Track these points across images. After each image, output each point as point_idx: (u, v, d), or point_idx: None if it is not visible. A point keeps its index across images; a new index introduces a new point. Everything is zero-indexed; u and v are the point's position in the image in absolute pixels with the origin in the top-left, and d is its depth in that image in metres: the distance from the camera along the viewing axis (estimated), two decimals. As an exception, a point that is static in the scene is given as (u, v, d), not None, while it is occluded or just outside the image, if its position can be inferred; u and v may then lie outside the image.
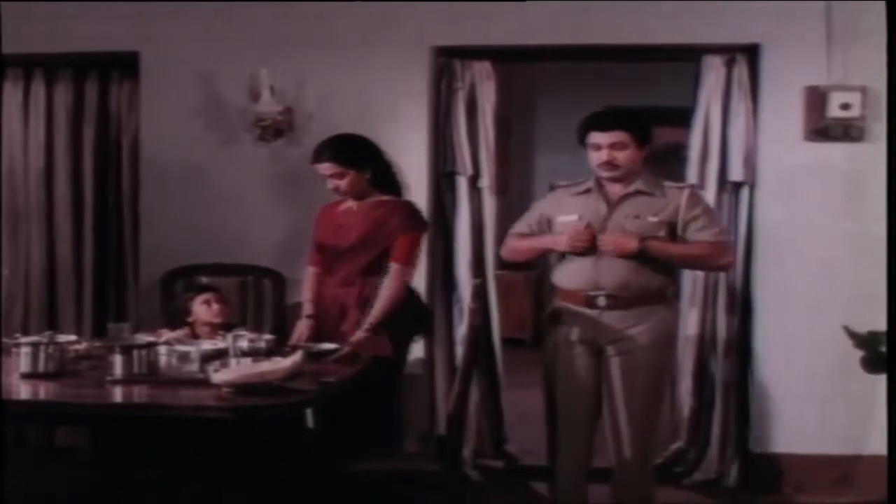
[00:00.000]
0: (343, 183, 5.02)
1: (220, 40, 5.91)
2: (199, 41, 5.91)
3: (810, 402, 5.73)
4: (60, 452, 5.93)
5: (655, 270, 4.68)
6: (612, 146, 4.70)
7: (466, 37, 5.83)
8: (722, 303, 5.85)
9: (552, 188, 5.12)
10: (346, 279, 5.03)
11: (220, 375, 3.93)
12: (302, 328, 5.08)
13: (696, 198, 4.82)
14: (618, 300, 4.66)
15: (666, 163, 9.62)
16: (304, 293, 5.21)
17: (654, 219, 4.67)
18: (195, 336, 4.98)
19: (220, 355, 4.35)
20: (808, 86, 5.64)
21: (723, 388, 5.85)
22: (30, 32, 5.85)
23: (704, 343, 5.89)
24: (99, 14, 5.88)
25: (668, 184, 4.82)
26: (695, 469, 5.89)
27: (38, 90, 6.22)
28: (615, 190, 4.77)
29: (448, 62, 5.91)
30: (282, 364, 4.01)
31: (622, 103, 10.07)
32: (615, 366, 4.70)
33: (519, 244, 4.99)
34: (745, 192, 5.79)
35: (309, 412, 4.59)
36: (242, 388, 3.85)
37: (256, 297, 5.87)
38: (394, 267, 4.97)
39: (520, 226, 5.04)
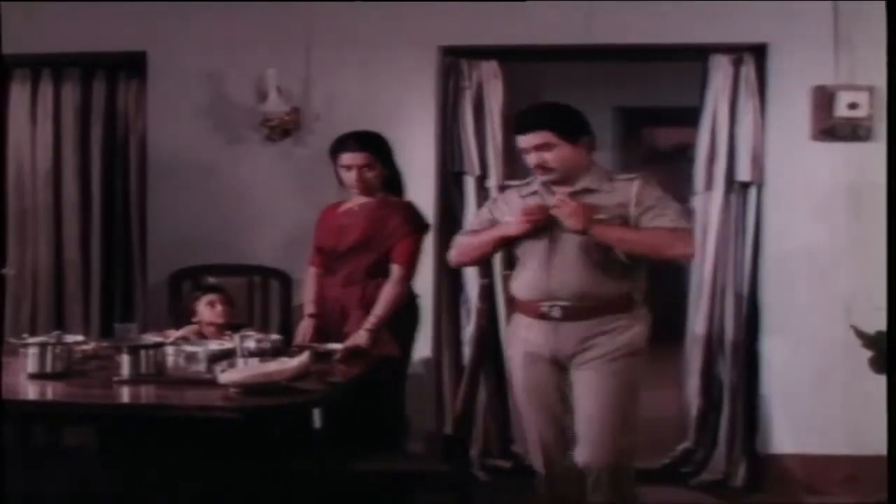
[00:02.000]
0: (370, 175, 5.03)
1: (227, 40, 5.91)
2: (207, 41, 5.92)
3: (818, 403, 5.72)
4: (68, 452, 5.94)
5: (614, 276, 4.31)
6: (539, 148, 4.34)
7: (474, 36, 5.83)
8: (729, 303, 5.84)
9: (502, 188, 4.94)
10: (348, 280, 5.03)
11: (227, 376, 3.93)
12: (305, 328, 5.08)
13: (647, 188, 4.37)
14: (574, 310, 4.29)
15: (673, 163, 9.71)
16: (306, 293, 5.22)
17: (604, 216, 4.25)
18: (202, 336, 4.98)
19: (228, 355, 4.35)
20: (816, 85, 5.63)
21: (730, 389, 5.85)
22: (37, 32, 5.89)
23: (712, 343, 5.88)
24: (106, 14, 5.89)
25: (619, 176, 4.43)
26: (702, 469, 5.89)
27: (46, 90, 6.22)
28: (561, 191, 4.36)
29: (455, 62, 5.92)
30: (289, 364, 4.01)
31: (630, 103, 10.15)
32: (578, 382, 4.33)
33: (466, 241, 4.63)
34: (752, 192, 5.78)
35: (316, 412, 4.59)
36: (250, 388, 3.85)
37: (263, 298, 5.88)
38: (395, 269, 4.97)
39: (469, 227, 4.87)
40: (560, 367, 4.37)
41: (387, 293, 4.93)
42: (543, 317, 4.35)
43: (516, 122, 4.47)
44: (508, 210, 4.49)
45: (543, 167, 4.34)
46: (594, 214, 4.21)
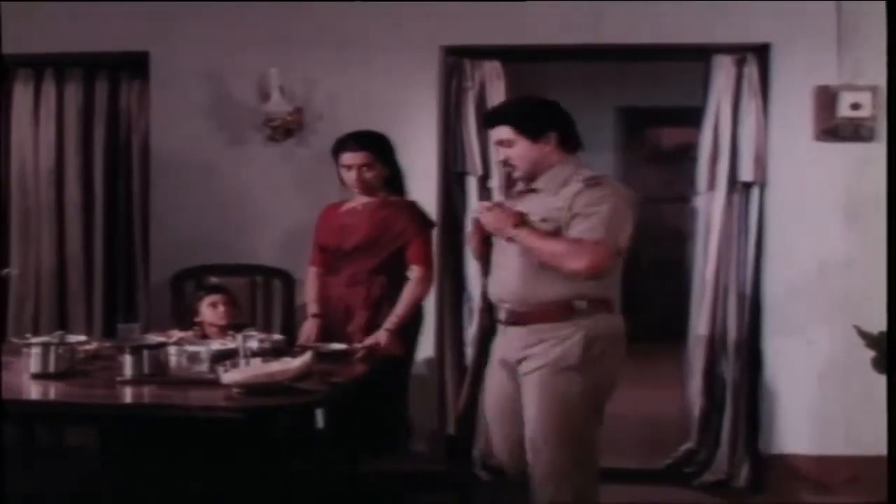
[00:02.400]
0: (370, 175, 5.04)
1: (229, 40, 5.91)
2: (209, 41, 5.93)
3: (821, 403, 5.72)
4: (70, 452, 5.94)
5: (554, 281, 4.05)
6: (501, 143, 4.21)
7: (476, 36, 5.83)
8: (732, 303, 5.84)
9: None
10: (353, 280, 5.03)
11: (230, 376, 3.94)
12: (309, 328, 5.08)
13: (583, 194, 4.03)
14: (516, 315, 4.13)
15: (676, 163, 9.72)
16: (308, 293, 5.23)
17: (537, 218, 4.08)
18: (205, 336, 4.98)
19: (230, 356, 4.35)
20: (819, 85, 5.63)
21: (733, 389, 5.84)
22: (40, 33, 5.89)
23: (714, 343, 5.88)
24: (109, 14, 5.90)
25: (577, 177, 4.11)
26: (705, 470, 5.89)
27: (49, 90, 6.23)
28: (523, 188, 4.29)
29: (458, 62, 5.92)
30: (291, 364, 4.01)
31: (633, 103, 10.16)
32: (525, 388, 4.12)
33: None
34: (755, 192, 5.78)
35: (319, 412, 4.59)
36: (252, 388, 3.86)
37: (266, 298, 5.88)
38: (416, 269, 4.98)
39: None
40: (512, 371, 4.20)
41: (409, 293, 4.95)
42: (499, 320, 4.28)
43: (483, 118, 4.42)
44: None
45: (506, 163, 4.25)
46: (517, 221, 4.08)
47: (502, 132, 4.18)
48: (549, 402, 4.05)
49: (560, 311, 4.07)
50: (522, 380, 4.12)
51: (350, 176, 5.05)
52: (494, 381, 4.31)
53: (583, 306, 4.08)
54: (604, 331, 4.12)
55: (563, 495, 4.06)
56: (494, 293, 4.25)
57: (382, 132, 5.14)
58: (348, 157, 5.04)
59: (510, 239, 4.09)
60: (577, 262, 3.97)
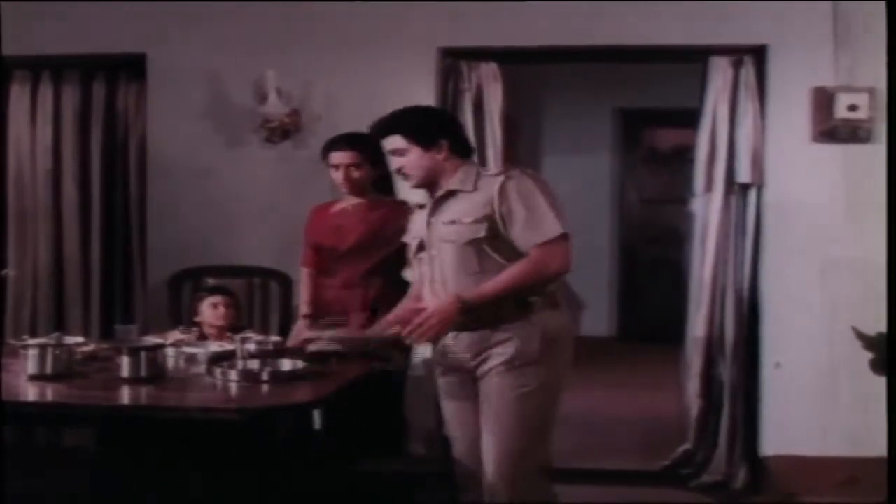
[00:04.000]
0: (358, 174, 5.03)
1: (227, 42, 5.92)
2: (207, 43, 5.93)
3: (818, 404, 5.72)
4: (68, 454, 5.94)
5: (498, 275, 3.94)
6: (395, 153, 4.13)
7: (473, 38, 5.83)
8: (729, 304, 5.84)
9: (416, 209, 4.49)
10: (349, 281, 5.03)
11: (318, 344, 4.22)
12: (301, 328, 5.06)
13: (510, 184, 3.96)
14: (462, 322, 3.95)
15: (673, 164, 9.74)
16: (302, 294, 5.22)
17: (468, 219, 3.96)
18: (203, 337, 4.99)
19: (228, 357, 4.35)
20: (816, 87, 5.64)
21: (730, 390, 5.85)
22: (38, 34, 5.89)
23: (712, 344, 5.88)
24: (107, 16, 5.90)
25: (487, 172, 4.13)
26: (702, 471, 5.88)
27: (46, 92, 6.23)
28: (437, 192, 4.12)
29: (455, 63, 5.92)
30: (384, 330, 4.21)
31: (630, 105, 10.18)
32: (484, 389, 4.02)
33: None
34: (752, 194, 5.78)
35: (316, 414, 4.59)
36: (350, 343, 4.05)
37: (263, 299, 5.87)
38: None
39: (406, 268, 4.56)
40: (466, 375, 4.08)
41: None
42: None
43: (373, 129, 4.25)
44: (412, 230, 4.30)
45: (401, 172, 4.14)
46: (457, 307, 3.88)
47: (395, 142, 4.11)
48: (510, 399, 3.96)
49: (512, 311, 3.96)
50: (481, 382, 4.02)
51: (338, 175, 5.05)
52: (446, 383, 4.21)
53: (537, 301, 3.98)
54: (556, 325, 4.02)
55: (520, 492, 4.00)
56: (430, 301, 4.07)
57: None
58: (336, 157, 5.04)
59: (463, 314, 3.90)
60: (557, 266, 3.92)
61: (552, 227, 3.90)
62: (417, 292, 4.27)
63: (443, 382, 4.22)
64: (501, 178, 3.98)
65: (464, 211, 3.99)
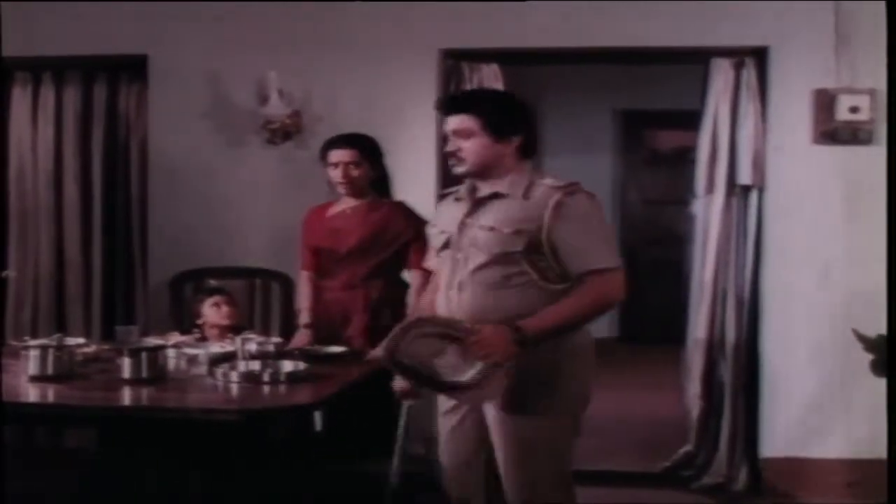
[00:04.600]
0: (356, 173, 5.02)
1: (228, 43, 5.92)
2: (208, 44, 5.94)
3: (819, 406, 5.72)
4: (69, 454, 5.94)
5: (531, 294, 3.62)
6: (457, 133, 3.72)
7: (474, 39, 5.83)
8: (730, 306, 5.84)
9: (440, 197, 4.21)
10: (349, 283, 5.02)
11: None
12: (301, 338, 5.04)
13: (570, 203, 3.62)
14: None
15: (674, 166, 9.73)
16: (301, 300, 5.19)
17: (509, 230, 3.61)
18: (204, 338, 4.99)
19: (229, 358, 4.36)
20: (817, 89, 5.64)
21: (731, 392, 5.84)
22: (39, 35, 5.90)
23: (713, 346, 5.88)
24: (108, 17, 5.91)
25: (542, 181, 3.69)
26: (703, 473, 5.88)
27: (48, 93, 6.24)
28: (480, 192, 3.78)
29: (456, 64, 5.91)
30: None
31: (631, 106, 10.19)
32: (491, 421, 3.72)
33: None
34: (753, 196, 5.78)
35: (317, 415, 4.59)
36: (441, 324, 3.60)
37: (264, 300, 5.88)
38: (416, 274, 4.92)
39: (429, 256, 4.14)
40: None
41: (415, 296, 4.86)
42: None
43: (442, 104, 3.95)
44: (440, 222, 3.95)
45: (456, 156, 3.74)
46: (512, 336, 3.50)
47: (464, 122, 3.71)
48: (528, 432, 3.67)
49: None
50: (493, 409, 3.70)
51: (336, 173, 5.03)
52: (450, 406, 3.87)
53: None
54: (580, 345, 3.72)
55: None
56: (448, 312, 3.74)
57: (372, 135, 5.14)
58: (336, 155, 5.03)
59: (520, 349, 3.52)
60: (616, 296, 3.62)
61: (608, 257, 3.62)
62: (435, 289, 3.95)
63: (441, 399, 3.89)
64: (559, 193, 3.62)
65: (506, 219, 3.64)
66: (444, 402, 3.89)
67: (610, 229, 3.80)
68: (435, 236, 3.92)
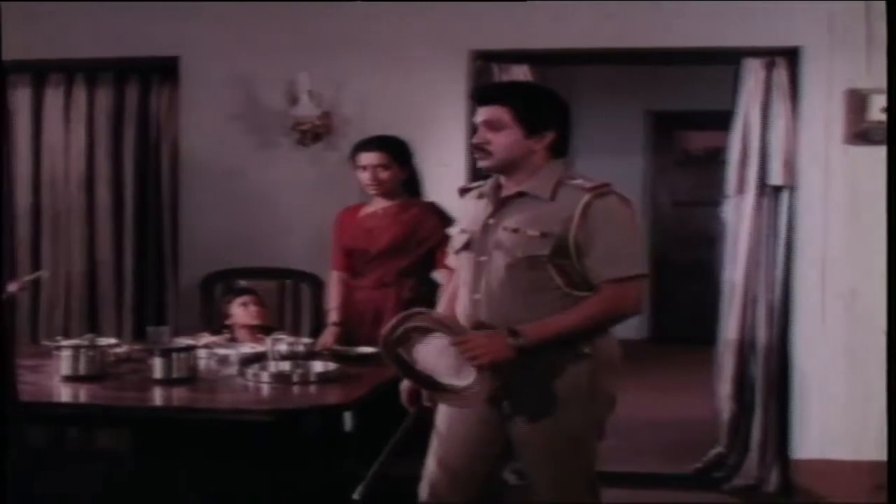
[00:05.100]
0: (385, 175, 5.03)
1: (259, 45, 5.93)
2: (239, 46, 5.95)
3: (851, 408, 5.69)
4: (100, 454, 5.97)
5: (556, 300, 3.45)
6: (488, 125, 3.53)
7: (505, 40, 5.82)
8: (761, 307, 5.82)
9: (461, 192, 3.93)
10: (380, 282, 5.04)
11: None
12: (327, 336, 5.06)
13: (599, 207, 3.43)
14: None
15: (705, 166, 9.71)
16: (332, 299, 5.21)
17: (535, 232, 3.44)
18: (234, 339, 5.01)
19: (259, 359, 4.37)
20: (849, 89, 5.60)
21: (763, 393, 5.82)
22: (71, 37, 5.94)
23: (744, 347, 5.86)
24: (140, 19, 5.93)
25: (571, 181, 3.50)
26: (734, 474, 5.86)
27: (80, 95, 6.27)
28: (505, 191, 3.60)
29: (486, 66, 5.91)
30: None
31: (662, 107, 10.16)
32: (515, 429, 3.56)
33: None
34: (784, 196, 5.76)
35: (347, 415, 4.60)
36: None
37: (295, 301, 5.89)
38: (446, 274, 4.92)
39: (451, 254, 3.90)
40: (495, 406, 3.54)
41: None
42: None
43: (475, 94, 3.75)
44: (463, 220, 3.76)
45: (482, 148, 3.54)
46: (509, 337, 3.37)
47: (495, 113, 3.52)
48: (557, 440, 3.52)
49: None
50: (513, 418, 3.55)
51: (365, 176, 5.05)
52: (463, 416, 3.64)
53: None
54: (607, 352, 3.56)
55: None
56: (471, 317, 3.58)
57: (402, 137, 5.15)
58: (364, 158, 5.05)
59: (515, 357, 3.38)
60: (630, 308, 3.47)
61: (633, 264, 3.47)
62: (454, 290, 3.79)
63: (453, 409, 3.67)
64: (589, 195, 3.43)
65: (532, 220, 3.47)
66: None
67: (640, 234, 3.63)
68: (455, 235, 3.75)
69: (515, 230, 3.48)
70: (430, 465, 3.73)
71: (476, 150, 3.58)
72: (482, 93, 3.66)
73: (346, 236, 5.19)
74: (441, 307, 3.94)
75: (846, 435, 5.71)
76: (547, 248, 3.42)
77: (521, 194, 3.53)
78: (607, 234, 3.42)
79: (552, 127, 3.55)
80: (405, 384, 3.75)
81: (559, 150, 3.59)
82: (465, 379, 3.40)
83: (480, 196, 3.69)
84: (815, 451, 5.74)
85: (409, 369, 3.51)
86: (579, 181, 3.49)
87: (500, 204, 3.57)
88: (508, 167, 3.55)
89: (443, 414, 3.70)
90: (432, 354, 3.46)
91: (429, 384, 3.50)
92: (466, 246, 3.64)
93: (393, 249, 5.03)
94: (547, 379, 3.47)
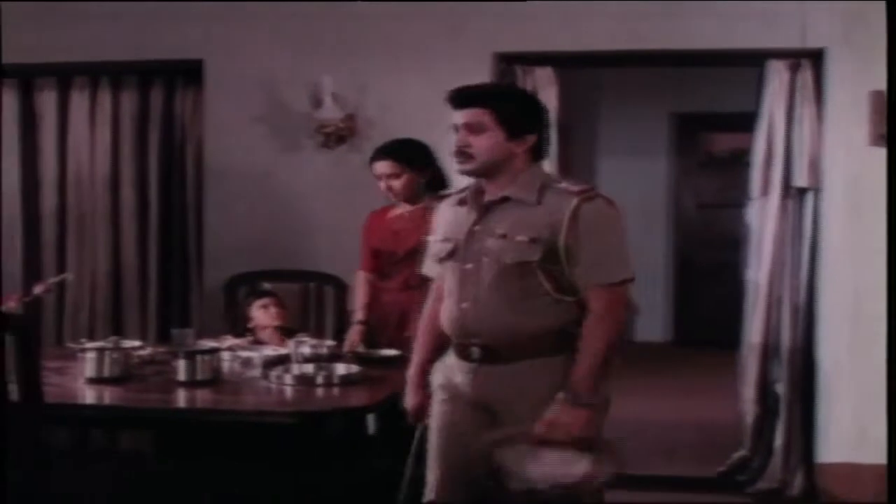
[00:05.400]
0: (397, 183, 5.04)
1: (283, 48, 5.95)
2: (263, 49, 5.96)
3: (875, 411, 5.65)
4: (124, 456, 5.99)
5: (545, 306, 3.41)
6: (469, 128, 3.47)
7: (528, 43, 5.82)
8: (786, 310, 5.80)
9: (437, 200, 3.94)
10: (407, 284, 5.03)
11: None
12: (353, 335, 5.08)
13: (588, 211, 3.38)
14: (493, 352, 3.43)
15: (729, 168, 9.68)
16: (358, 299, 5.22)
17: (524, 238, 3.37)
18: (258, 341, 5.02)
19: (283, 361, 4.38)
20: (874, 90, 5.57)
21: (787, 397, 5.80)
22: (96, 40, 5.96)
23: (768, 350, 5.84)
24: (165, 23, 5.95)
25: (557, 184, 3.48)
26: (758, 478, 5.84)
27: (105, 97, 6.30)
28: (488, 196, 3.53)
29: (510, 68, 5.91)
30: None
31: (686, 109, 10.14)
32: (507, 431, 3.41)
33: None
34: (809, 198, 5.74)
35: (371, 418, 4.60)
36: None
37: (318, 303, 5.89)
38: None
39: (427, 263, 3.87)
40: (487, 412, 3.49)
41: None
42: (464, 356, 3.52)
43: (453, 96, 3.59)
44: (444, 228, 3.69)
45: (463, 152, 3.48)
46: (573, 402, 3.31)
47: (476, 115, 3.46)
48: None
49: (555, 343, 3.43)
50: (507, 420, 3.45)
51: (381, 185, 5.08)
52: (452, 415, 3.58)
53: (577, 332, 3.41)
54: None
55: None
56: (459, 326, 3.53)
57: (419, 139, 5.14)
58: (377, 167, 5.07)
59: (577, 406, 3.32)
60: (620, 316, 3.39)
61: (620, 269, 3.42)
62: (440, 293, 3.70)
63: (445, 408, 3.62)
64: (576, 199, 3.38)
65: (519, 226, 3.41)
66: (437, 392, 3.65)
67: (626, 236, 3.48)
68: (436, 244, 3.68)
69: (503, 236, 3.42)
70: (432, 465, 3.68)
71: (457, 153, 3.51)
72: (461, 95, 3.56)
73: (374, 238, 5.20)
74: (422, 322, 3.86)
75: (871, 438, 5.68)
76: (536, 253, 3.37)
77: (505, 199, 3.47)
78: (597, 238, 3.37)
79: (533, 130, 3.51)
80: (409, 401, 3.76)
81: (539, 153, 3.56)
82: (579, 467, 3.28)
83: (461, 203, 3.62)
84: (840, 455, 5.72)
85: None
86: (564, 185, 3.47)
87: (485, 210, 3.51)
88: (491, 170, 3.49)
89: (437, 416, 3.64)
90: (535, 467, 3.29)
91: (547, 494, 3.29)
92: (451, 254, 3.58)
93: (419, 251, 5.02)
94: (538, 382, 3.40)
